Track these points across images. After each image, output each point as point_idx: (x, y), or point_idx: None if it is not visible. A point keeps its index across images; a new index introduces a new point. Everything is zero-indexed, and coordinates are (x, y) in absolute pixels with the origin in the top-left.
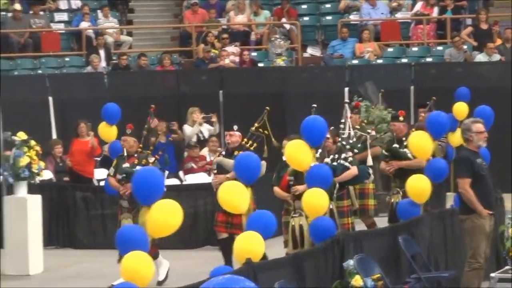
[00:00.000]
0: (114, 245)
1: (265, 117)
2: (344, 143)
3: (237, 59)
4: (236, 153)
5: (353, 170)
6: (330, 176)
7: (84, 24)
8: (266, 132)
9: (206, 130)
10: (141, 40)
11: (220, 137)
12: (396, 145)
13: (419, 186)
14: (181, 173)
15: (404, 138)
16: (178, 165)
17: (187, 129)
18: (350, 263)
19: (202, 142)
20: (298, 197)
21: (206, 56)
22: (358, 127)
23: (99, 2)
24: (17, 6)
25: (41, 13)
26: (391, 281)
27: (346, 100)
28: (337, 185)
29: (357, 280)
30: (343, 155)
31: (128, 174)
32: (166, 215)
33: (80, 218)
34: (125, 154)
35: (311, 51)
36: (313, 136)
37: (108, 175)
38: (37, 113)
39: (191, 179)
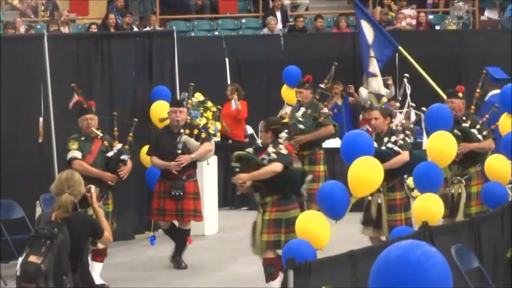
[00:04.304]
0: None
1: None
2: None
3: (413, 21)
4: (189, 131)
5: (404, 156)
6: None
7: None
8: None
9: (382, 92)
10: (317, 2)
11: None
12: (466, 125)
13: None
14: None
15: (464, 118)
16: (354, 128)
17: (363, 92)
18: None
19: None
20: None
21: (383, 18)
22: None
23: None
24: None
25: None
26: None
27: (406, 74)
28: None
29: None
30: (393, 138)
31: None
32: (367, 172)
33: None
34: (91, 134)
35: (488, 14)
36: None
37: (75, 158)
38: (214, 74)
39: None
